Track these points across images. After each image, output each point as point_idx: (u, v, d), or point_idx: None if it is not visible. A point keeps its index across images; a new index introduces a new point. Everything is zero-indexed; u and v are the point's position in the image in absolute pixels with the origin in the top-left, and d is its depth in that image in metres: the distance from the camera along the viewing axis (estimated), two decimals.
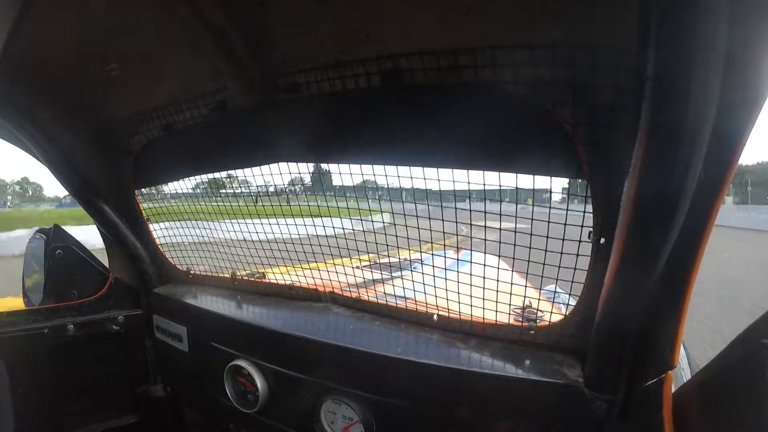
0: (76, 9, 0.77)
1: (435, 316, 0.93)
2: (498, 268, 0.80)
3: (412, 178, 0.78)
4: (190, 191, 1.38)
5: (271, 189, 1.05)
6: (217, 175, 1.23)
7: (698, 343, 4.42)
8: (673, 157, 0.41)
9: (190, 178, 1.24)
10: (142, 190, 1.37)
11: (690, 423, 0.59)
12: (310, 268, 1.17)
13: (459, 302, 0.89)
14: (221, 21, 0.73)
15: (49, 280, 1.36)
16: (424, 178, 0.77)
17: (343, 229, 1.01)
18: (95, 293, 1.40)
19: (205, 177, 1.22)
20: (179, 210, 1.32)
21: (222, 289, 1.38)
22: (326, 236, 1.07)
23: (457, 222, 0.82)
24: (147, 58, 0.90)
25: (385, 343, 0.92)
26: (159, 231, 1.41)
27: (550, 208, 0.72)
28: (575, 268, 0.70)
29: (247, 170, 1.06)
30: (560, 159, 0.66)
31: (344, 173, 0.88)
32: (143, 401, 1.47)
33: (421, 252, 0.92)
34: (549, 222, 0.74)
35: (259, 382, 1.01)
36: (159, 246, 1.44)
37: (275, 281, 1.26)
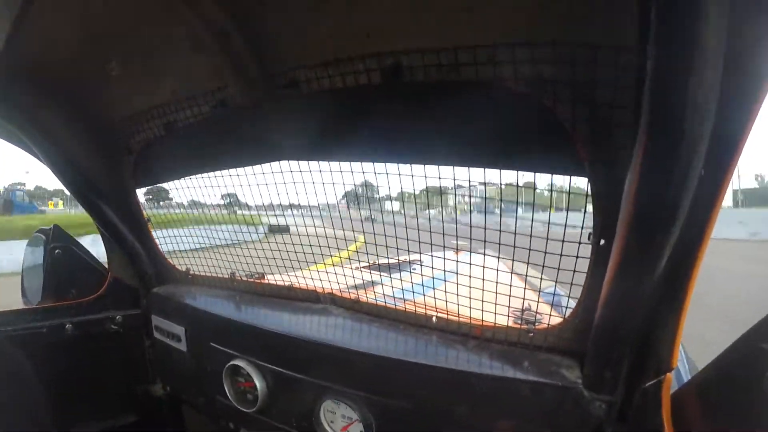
0: (77, 8, 0.77)
1: (434, 318, 0.93)
2: (497, 270, 0.80)
3: (412, 176, 0.78)
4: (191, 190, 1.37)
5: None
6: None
7: None
8: (673, 156, 0.41)
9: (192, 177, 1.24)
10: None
11: (688, 424, 0.58)
12: (309, 269, 1.17)
13: (458, 304, 0.88)
14: (221, 19, 0.74)
15: (48, 279, 1.36)
16: (425, 176, 0.77)
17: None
18: (94, 293, 1.40)
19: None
20: (181, 216, 1.33)
21: (221, 289, 1.38)
22: (326, 237, 1.07)
23: (457, 222, 0.81)
24: (147, 57, 0.90)
25: (384, 344, 0.91)
26: (159, 231, 1.41)
27: (550, 207, 0.72)
28: (574, 270, 0.70)
29: (248, 169, 1.06)
30: (561, 157, 0.66)
31: (345, 171, 0.88)
32: (142, 400, 1.47)
33: (420, 253, 0.92)
34: (549, 223, 0.74)
35: (258, 382, 1.01)
36: (158, 246, 1.44)
37: (274, 282, 1.26)
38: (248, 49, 0.80)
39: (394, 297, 1.03)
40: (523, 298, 0.84)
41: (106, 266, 1.45)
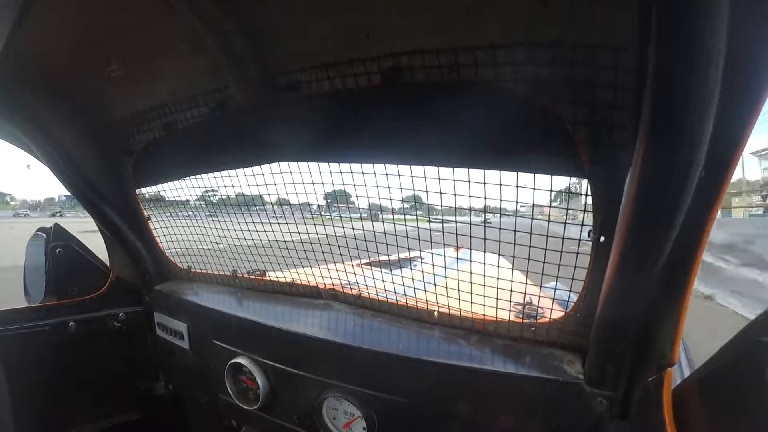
0: (76, 9, 0.77)
1: (435, 313, 0.93)
2: (498, 266, 0.80)
3: (412, 177, 0.78)
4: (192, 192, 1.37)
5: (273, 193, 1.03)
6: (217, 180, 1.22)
7: None
8: (673, 156, 0.41)
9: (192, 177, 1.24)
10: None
11: (689, 419, 0.59)
12: (311, 266, 1.17)
13: (459, 299, 0.89)
14: (221, 20, 0.74)
15: (50, 278, 1.36)
16: (425, 177, 0.77)
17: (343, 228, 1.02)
18: (96, 291, 1.41)
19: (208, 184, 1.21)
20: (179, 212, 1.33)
21: (223, 286, 1.39)
22: (327, 235, 1.07)
23: (456, 222, 0.82)
24: (147, 58, 0.90)
25: (386, 340, 0.92)
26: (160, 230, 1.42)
27: (550, 206, 0.72)
28: (575, 266, 0.71)
29: (248, 170, 1.06)
30: (561, 157, 0.66)
31: (344, 172, 0.88)
32: (145, 398, 1.48)
33: (420, 251, 0.92)
34: (549, 221, 0.74)
35: (260, 380, 1.02)
36: (159, 244, 1.45)
37: (276, 279, 1.26)
38: (248, 48, 0.79)
39: (395, 293, 1.03)
40: (525, 293, 0.85)
41: (108, 264, 1.46)
